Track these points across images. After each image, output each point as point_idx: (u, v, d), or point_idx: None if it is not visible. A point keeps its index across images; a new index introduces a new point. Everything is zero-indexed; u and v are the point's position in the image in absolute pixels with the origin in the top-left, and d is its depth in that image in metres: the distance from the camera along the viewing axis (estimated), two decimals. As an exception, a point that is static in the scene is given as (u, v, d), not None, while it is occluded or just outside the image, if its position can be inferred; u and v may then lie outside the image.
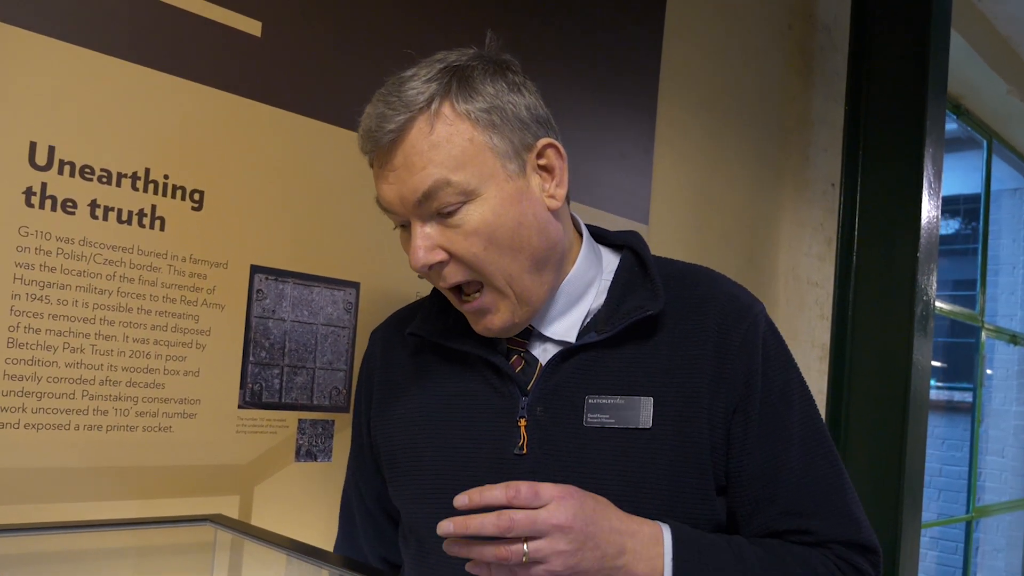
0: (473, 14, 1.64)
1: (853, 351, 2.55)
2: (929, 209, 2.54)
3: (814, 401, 1.09)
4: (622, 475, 0.99)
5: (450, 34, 1.54)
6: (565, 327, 1.07)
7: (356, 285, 1.45)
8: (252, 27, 1.32)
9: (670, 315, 1.05)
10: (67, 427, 1.13)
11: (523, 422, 1.02)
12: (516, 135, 1.00)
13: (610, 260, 1.13)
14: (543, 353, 1.07)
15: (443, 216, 0.97)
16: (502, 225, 0.98)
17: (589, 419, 1.01)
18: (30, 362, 1.10)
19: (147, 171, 1.21)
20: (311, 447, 1.39)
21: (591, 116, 1.92)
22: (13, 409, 1.08)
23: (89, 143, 1.15)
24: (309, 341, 1.39)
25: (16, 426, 1.09)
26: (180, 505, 1.23)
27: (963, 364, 5.39)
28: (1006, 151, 4.74)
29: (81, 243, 1.14)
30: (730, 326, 1.04)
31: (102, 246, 1.16)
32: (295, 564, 1.13)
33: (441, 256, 0.98)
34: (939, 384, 6.19)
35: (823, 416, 2.61)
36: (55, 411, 1.12)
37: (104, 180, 1.17)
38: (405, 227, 1.02)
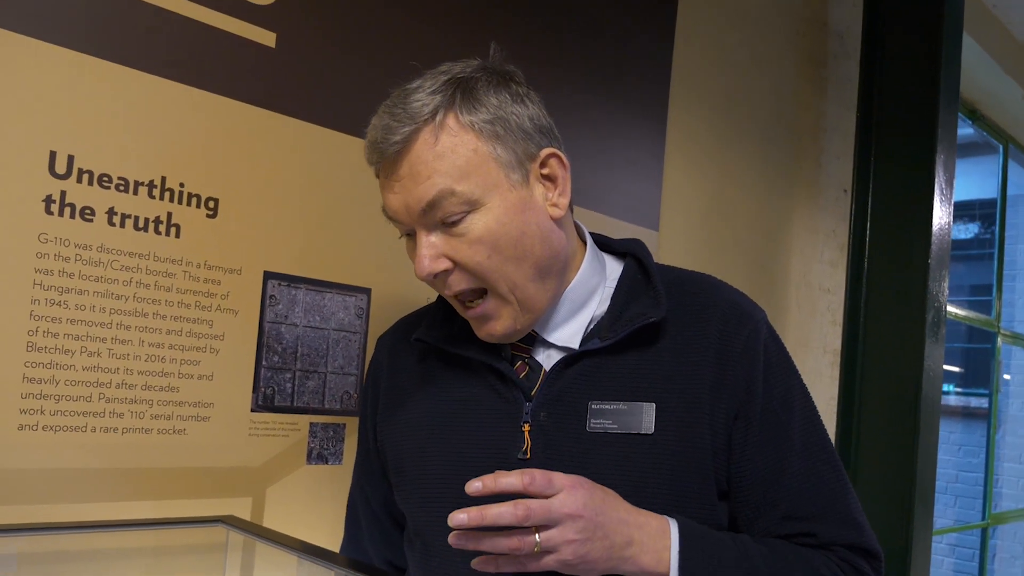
0: (484, 24, 1.66)
1: (865, 357, 2.54)
2: (941, 215, 2.53)
3: (815, 407, 1.10)
4: (625, 480, 1.00)
5: (461, 44, 1.57)
6: (569, 333, 1.08)
7: (367, 291, 1.47)
8: (267, 38, 1.34)
9: (672, 322, 1.06)
10: (84, 429, 1.16)
11: (527, 427, 1.04)
12: (519, 145, 1.01)
13: (614, 267, 1.14)
14: (547, 359, 1.08)
15: (448, 225, 0.99)
16: (506, 234, 1.00)
17: (592, 424, 1.03)
18: (48, 365, 1.13)
19: (163, 179, 1.23)
20: (322, 450, 1.41)
21: (601, 123, 1.94)
22: (32, 411, 1.11)
23: (107, 152, 1.18)
24: (321, 346, 1.41)
25: (35, 428, 1.12)
26: (193, 506, 1.26)
27: (981, 369, 5.36)
28: (1023, 156, 4.71)
29: (99, 250, 1.17)
30: (731, 332, 1.05)
31: (119, 252, 1.19)
32: (305, 565, 1.15)
33: (446, 264, 1.00)
34: (958, 390, 6.15)
35: (835, 422, 2.63)
36: (72, 413, 1.15)
37: (121, 188, 1.19)
38: (411, 236, 1.05)
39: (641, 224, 2.04)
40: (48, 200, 1.13)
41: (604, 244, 1.18)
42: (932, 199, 2.48)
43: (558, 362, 1.06)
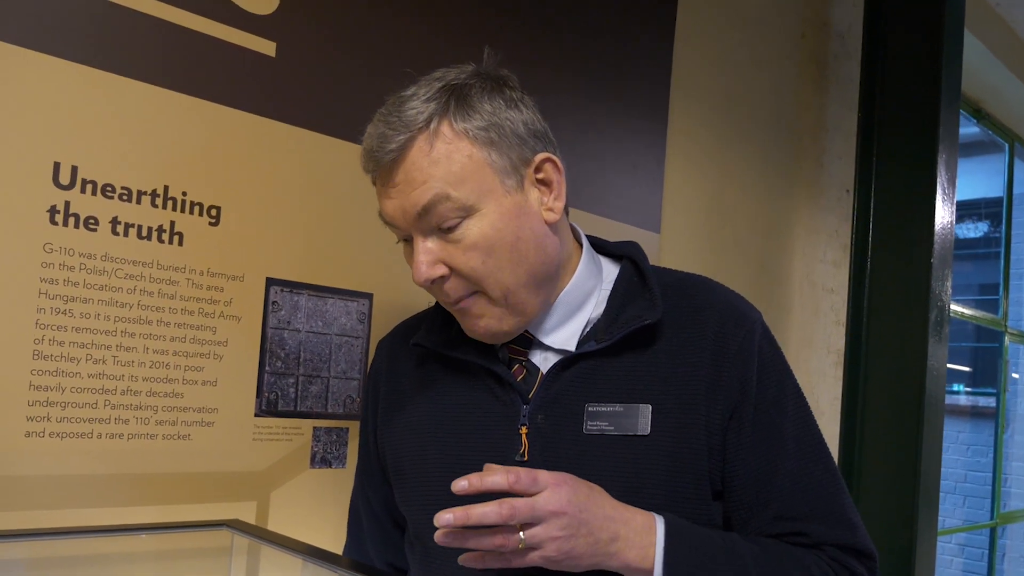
0: (483, 30, 1.68)
1: (868, 357, 2.55)
2: (943, 214, 2.54)
3: (809, 408, 1.11)
4: (621, 481, 1.01)
5: (461, 50, 1.58)
6: (565, 336, 1.09)
7: (369, 296, 1.49)
8: (267, 48, 1.36)
9: (668, 324, 1.07)
10: (90, 435, 1.17)
11: (524, 429, 1.05)
12: (514, 151, 1.02)
13: (610, 270, 1.15)
14: (544, 362, 1.10)
15: (443, 231, 1.01)
16: (501, 240, 1.01)
17: (589, 426, 1.04)
18: (54, 373, 1.14)
19: (166, 188, 1.25)
20: (326, 454, 1.43)
21: (601, 126, 1.95)
22: (38, 418, 1.13)
23: (110, 162, 1.20)
24: (323, 351, 1.43)
25: (41, 435, 1.13)
26: (198, 511, 1.27)
27: (990, 369, 5.34)
28: (1029, 154, 4.70)
29: (103, 259, 1.19)
30: (727, 334, 1.06)
31: (123, 261, 1.21)
32: (310, 568, 1.16)
33: (443, 271, 1.02)
34: (967, 390, 6.13)
35: (838, 422, 2.63)
36: (78, 420, 1.16)
37: (124, 198, 1.21)
38: (408, 241, 1.06)
39: (642, 226, 2.05)
40: (52, 210, 1.15)
41: (600, 247, 1.19)
42: (934, 198, 2.48)
43: (554, 365, 1.07)
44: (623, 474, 1.02)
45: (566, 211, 1.10)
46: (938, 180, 2.49)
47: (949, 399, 6.02)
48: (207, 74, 1.29)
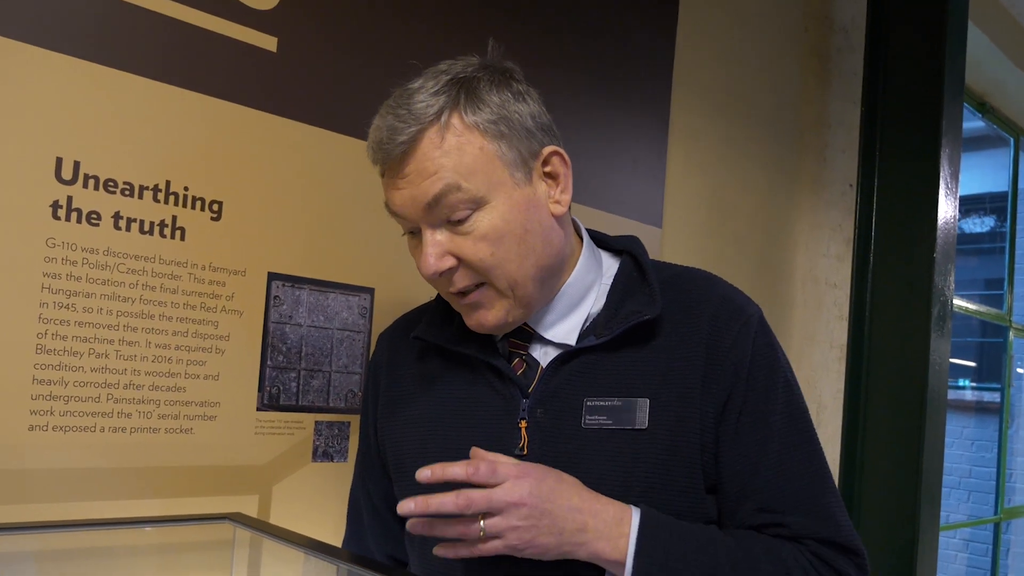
0: (485, 26, 1.68)
1: (871, 352, 2.54)
2: (946, 209, 2.53)
3: (802, 402, 1.10)
4: (618, 474, 1.02)
5: (462, 46, 1.58)
6: (565, 330, 1.10)
7: (371, 290, 1.49)
8: (268, 43, 1.36)
9: (667, 319, 1.07)
10: (93, 429, 1.18)
11: (524, 424, 1.06)
12: (523, 144, 1.03)
13: (610, 264, 1.16)
14: (544, 356, 1.10)
15: (453, 223, 1.01)
16: (510, 231, 1.01)
17: (588, 421, 1.04)
18: (57, 367, 1.15)
19: (168, 183, 1.26)
20: (327, 448, 1.43)
21: (603, 121, 1.95)
22: (42, 412, 1.14)
23: (112, 158, 1.20)
24: (325, 345, 1.43)
25: (45, 428, 1.14)
26: (201, 504, 1.28)
27: (995, 364, 5.33)
28: (1034, 149, 4.68)
29: (105, 253, 1.19)
30: (722, 327, 1.06)
31: (125, 256, 1.21)
32: (312, 561, 1.17)
33: (451, 263, 1.02)
34: (973, 385, 6.12)
35: (841, 417, 2.63)
36: (81, 414, 1.17)
37: (127, 193, 1.22)
38: (413, 234, 1.06)
39: (644, 221, 2.05)
40: (55, 205, 1.15)
41: (601, 241, 1.19)
42: (937, 193, 2.48)
43: (554, 359, 1.08)
44: (621, 467, 1.02)
45: (568, 206, 1.10)
46: (941, 175, 2.49)
47: (954, 394, 6.02)
48: (209, 69, 1.29)
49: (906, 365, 2.46)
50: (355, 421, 1.46)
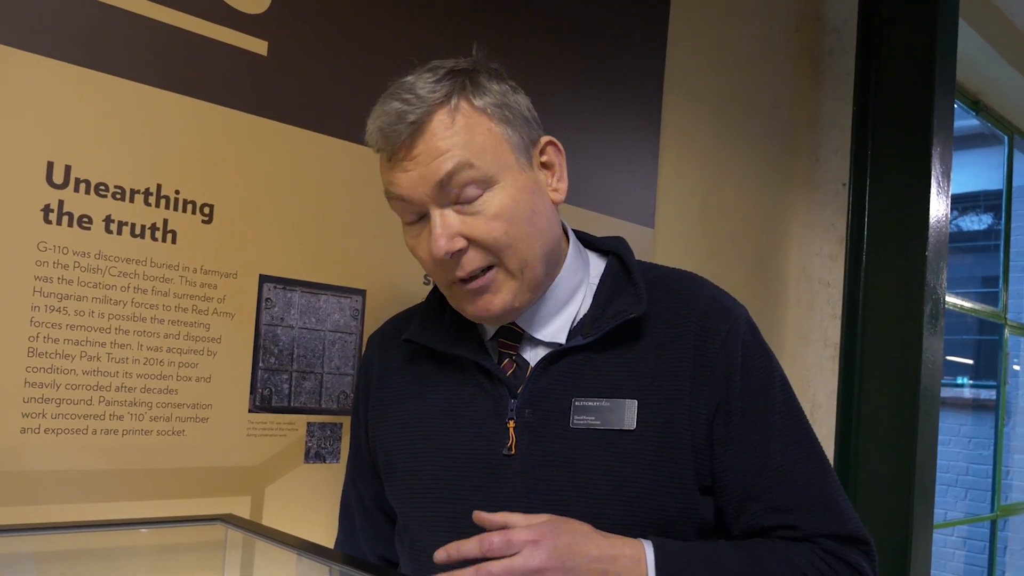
0: (476, 27, 1.69)
1: (864, 350, 2.55)
2: (938, 207, 2.54)
3: (796, 399, 1.12)
4: (606, 474, 1.03)
5: (453, 48, 1.59)
6: (554, 329, 1.11)
7: (362, 292, 1.50)
8: (259, 47, 1.37)
9: (654, 319, 1.08)
10: (85, 431, 1.19)
11: (512, 424, 1.06)
12: (524, 131, 1.06)
13: (596, 265, 1.17)
14: (534, 357, 1.11)
15: (463, 203, 1.02)
16: (520, 212, 1.03)
17: (576, 421, 1.05)
18: (49, 370, 1.16)
19: (159, 187, 1.26)
20: (320, 449, 1.44)
21: (595, 121, 1.96)
22: (34, 415, 1.14)
23: (103, 162, 1.21)
24: (317, 347, 1.44)
25: (37, 431, 1.15)
26: (193, 506, 1.29)
27: (992, 362, 5.34)
28: (1028, 147, 4.69)
29: (97, 257, 1.20)
30: (710, 328, 1.07)
31: (117, 259, 1.22)
32: (304, 563, 1.17)
33: (461, 244, 1.02)
34: (971, 383, 6.13)
35: (834, 416, 2.64)
36: (73, 416, 1.18)
37: (118, 196, 1.22)
38: (415, 223, 1.06)
39: (636, 221, 2.06)
40: (47, 209, 1.16)
41: (587, 242, 1.20)
42: (928, 192, 2.48)
43: (542, 359, 1.08)
44: (608, 468, 1.03)
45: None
46: (933, 173, 2.50)
47: (951, 392, 6.02)
48: (199, 73, 1.30)
49: (899, 363, 2.47)
50: (347, 422, 1.47)
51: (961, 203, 6.04)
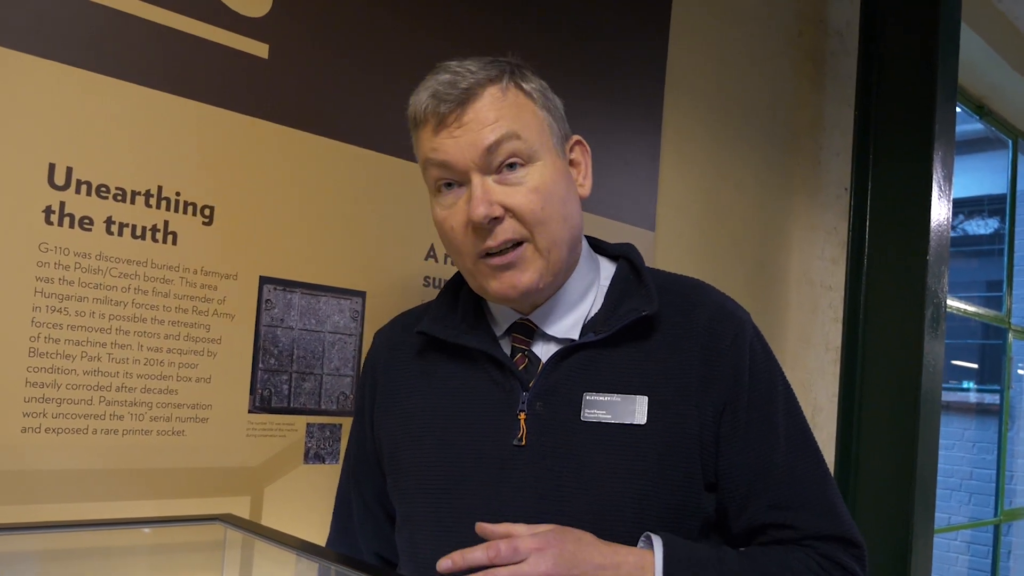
0: (476, 29, 1.69)
1: (865, 354, 2.55)
2: (939, 211, 2.54)
3: (798, 402, 1.15)
4: (614, 467, 1.04)
5: (454, 50, 1.59)
6: (567, 326, 1.14)
7: (362, 294, 1.51)
8: (259, 50, 1.38)
9: (664, 320, 1.11)
10: (85, 431, 1.20)
11: (523, 416, 1.08)
12: (560, 124, 1.12)
13: (607, 268, 1.20)
14: (545, 352, 1.13)
15: (505, 172, 1.05)
16: (555, 192, 1.07)
17: (586, 414, 1.07)
18: (50, 370, 1.17)
19: (160, 188, 1.27)
20: (319, 450, 1.45)
21: (595, 124, 1.96)
22: (35, 415, 1.15)
23: (104, 163, 1.22)
24: (317, 348, 1.45)
25: (38, 430, 1.16)
26: (193, 505, 1.29)
27: (997, 366, 5.33)
28: (1033, 151, 4.68)
29: (98, 258, 1.21)
30: (718, 331, 1.10)
31: (117, 260, 1.23)
32: (302, 563, 1.18)
33: (499, 211, 1.05)
34: (977, 387, 6.12)
35: (835, 419, 2.64)
36: (74, 416, 1.19)
37: (119, 198, 1.23)
38: (449, 193, 1.08)
39: (637, 224, 2.06)
40: (48, 211, 1.17)
41: (597, 247, 1.23)
42: (930, 195, 2.49)
43: (554, 354, 1.10)
44: (617, 461, 1.05)
45: None
46: (934, 177, 2.50)
47: (957, 396, 6.01)
48: (200, 76, 1.31)
49: (900, 367, 2.47)
50: (347, 423, 1.48)
51: (967, 207, 6.04)
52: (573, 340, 1.11)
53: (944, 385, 2.64)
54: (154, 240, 1.27)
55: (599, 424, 1.06)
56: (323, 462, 1.45)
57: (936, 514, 2.65)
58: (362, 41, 1.51)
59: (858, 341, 2.56)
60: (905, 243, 2.51)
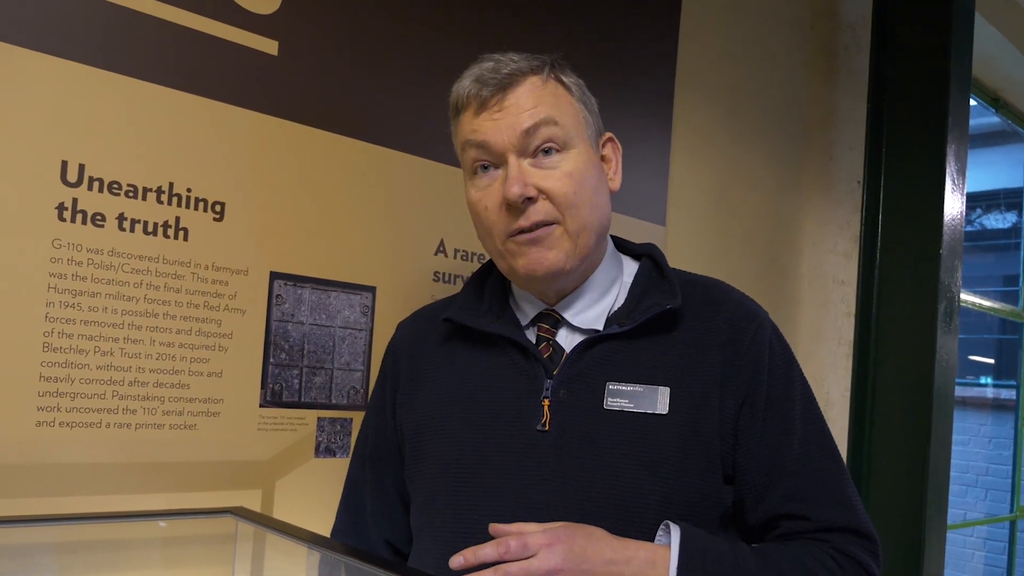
0: (485, 26, 1.70)
1: (878, 349, 2.54)
2: (953, 205, 2.52)
3: (814, 397, 1.17)
4: (636, 455, 1.06)
5: (463, 48, 1.60)
6: (592, 317, 1.16)
7: (372, 289, 1.52)
8: (269, 47, 1.39)
9: (686, 315, 1.13)
10: (98, 425, 1.21)
11: (546, 402, 1.10)
12: (595, 119, 1.16)
13: (630, 266, 1.23)
14: (570, 342, 1.15)
15: (541, 156, 1.09)
16: (587, 180, 1.11)
17: (609, 403, 1.09)
18: (64, 365, 1.18)
19: (171, 185, 1.29)
20: (330, 444, 1.46)
21: (605, 119, 1.95)
22: (49, 409, 1.17)
23: (116, 160, 1.23)
24: (327, 343, 1.46)
25: (52, 424, 1.17)
26: (205, 499, 1.31)
27: (1013, 361, 5.28)
28: (1050, 144, 4.63)
29: (110, 254, 1.22)
30: (740, 327, 1.13)
31: (129, 256, 1.24)
32: (313, 555, 1.19)
33: (533, 192, 1.08)
34: (993, 382, 6.07)
35: (848, 414, 2.62)
36: (87, 410, 1.20)
37: (131, 194, 1.25)
38: (485, 175, 1.12)
39: (648, 219, 2.06)
40: (60, 207, 1.18)
41: (621, 246, 1.26)
42: (943, 189, 2.47)
43: (579, 344, 1.12)
44: (639, 448, 1.06)
45: None
46: (947, 170, 2.48)
47: (973, 392, 5.96)
48: (211, 73, 1.32)
49: (913, 362, 2.45)
50: (357, 417, 1.49)
51: (984, 201, 5.99)
52: (597, 331, 1.14)
53: (960, 380, 2.62)
54: (166, 236, 1.28)
55: (622, 412, 1.08)
56: (334, 456, 1.46)
57: (951, 510, 2.63)
58: (371, 38, 1.52)
59: (870, 336, 2.55)
60: (918, 237, 2.50)
